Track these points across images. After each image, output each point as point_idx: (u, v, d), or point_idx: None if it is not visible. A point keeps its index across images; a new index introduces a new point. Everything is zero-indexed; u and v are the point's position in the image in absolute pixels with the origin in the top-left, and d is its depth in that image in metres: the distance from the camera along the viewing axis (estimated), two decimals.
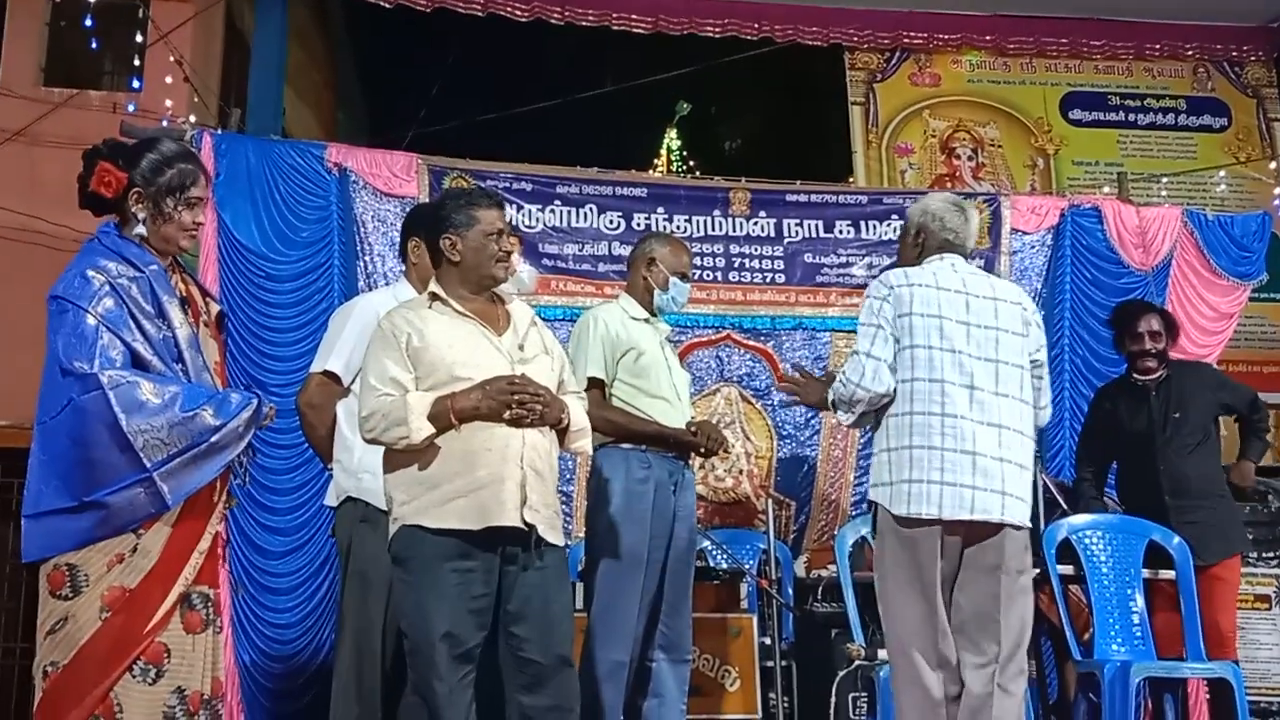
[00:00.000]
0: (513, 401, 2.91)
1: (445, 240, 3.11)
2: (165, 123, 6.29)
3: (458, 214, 3.11)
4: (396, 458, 2.99)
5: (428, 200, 5.40)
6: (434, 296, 3.11)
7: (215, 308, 3.05)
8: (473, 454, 2.90)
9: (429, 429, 2.89)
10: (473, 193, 3.26)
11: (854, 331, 5.67)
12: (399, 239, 3.93)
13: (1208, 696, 4.85)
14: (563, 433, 3.10)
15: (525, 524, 2.91)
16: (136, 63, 7.62)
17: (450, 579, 2.87)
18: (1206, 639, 4.50)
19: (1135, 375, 4.89)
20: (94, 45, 7.66)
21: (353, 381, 3.54)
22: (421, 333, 3.01)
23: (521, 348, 3.09)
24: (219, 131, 5.56)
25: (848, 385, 3.28)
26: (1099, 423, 5.01)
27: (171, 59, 7.19)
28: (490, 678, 2.98)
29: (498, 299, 3.19)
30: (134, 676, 2.64)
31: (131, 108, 7.14)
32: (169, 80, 7.28)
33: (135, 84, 7.71)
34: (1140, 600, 4.42)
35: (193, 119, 6.35)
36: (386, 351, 3.00)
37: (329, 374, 3.57)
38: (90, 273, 2.71)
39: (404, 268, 3.83)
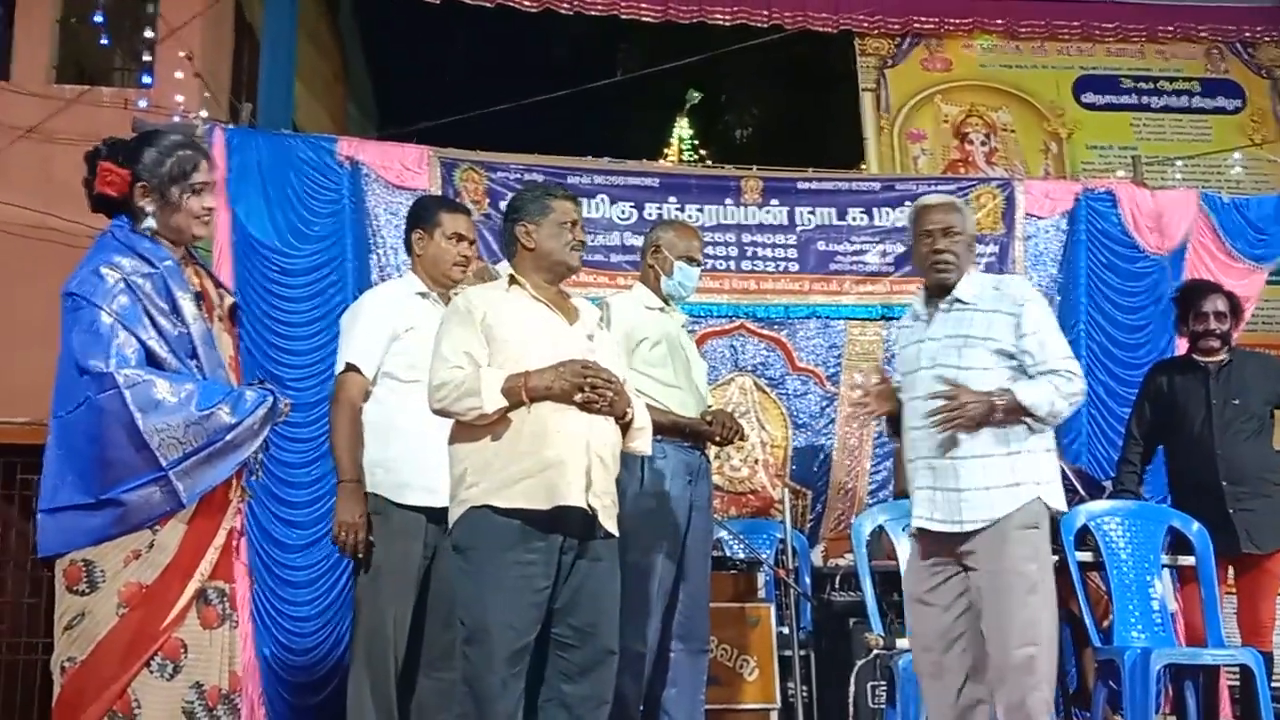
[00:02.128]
0: (585, 385, 2.95)
1: (520, 228, 3.21)
2: (177, 118, 6.29)
3: (533, 204, 3.22)
4: (466, 433, 3.03)
5: (439, 192, 5.42)
6: (512, 280, 3.18)
7: (229, 299, 3.03)
8: (542, 435, 2.95)
9: (501, 401, 2.93)
10: (548, 185, 3.42)
11: (868, 319, 5.83)
12: (404, 228, 3.94)
13: (1233, 683, 4.84)
14: (625, 429, 3.14)
15: (589, 508, 2.95)
16: (147, 59, 7.63)
17: (513, 571, 2.90)
18: (1244, 627, 4.52)
19: (1196, 356, 4.79)
20: (104, 42, 7.68)
21: (376, 374, 3.56)
22: (497, 312, 3.08)
23: (591, 338, 3.16)
24: (230, 126, 5.56)
25: (1077, 380, 3.34)
26: (1152, 398, 4.87)
27: (182, 54, 7.20)
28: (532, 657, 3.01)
29: (566, 294, 3.27)
30: (151, 672, 2.64)
31: (143, 104, 7.15)
32: (180, 76, 7.28)
33: (146, 80, 7.71)
34: (1160, 586, 4.41)
35: (204, 114, 6.34)
36: (462, 326, 3.06)
37: (352, 366, 3.57)
38: (104, 270, 2.70)
39: (410, 256, 3.83)
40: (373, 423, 3.54)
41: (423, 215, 3.79)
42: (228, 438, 2.71)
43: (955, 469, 3.32)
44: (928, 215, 3.51)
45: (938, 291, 3.49)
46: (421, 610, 3.48)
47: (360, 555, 3.46)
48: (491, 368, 3.00)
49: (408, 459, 3.45)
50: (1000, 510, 3.29)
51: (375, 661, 3.43)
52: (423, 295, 3.65)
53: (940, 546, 3.37)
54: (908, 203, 5.95)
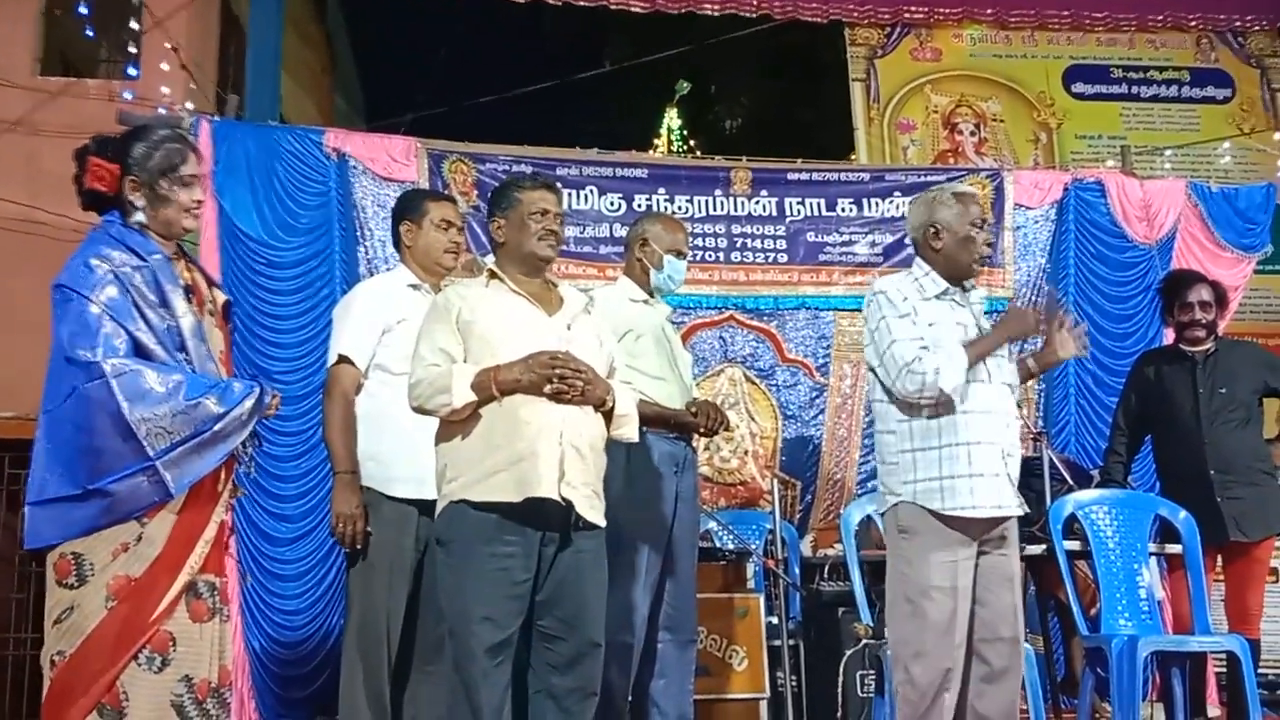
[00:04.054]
0: (554, 376, 2.94)
1: (493, 223, 3.22)
2: (163, 110, 6.26)
3: (503, 198, 3.22)
4: (446, 430, 3.03)
5: (426, 184, 5.41)
6: (492, 275, 3.18)
7: (221, 297, 3.05)
8: (514, 427, 2.94)
9: (470, 396, 2.93)
10: (522, 176, 3.37)
11: (857, 310, 5.81)
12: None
13: (1219, 670, 4.86)
14: (609, 417, 3.12)
15: (562, 499, 2.93)
16: (133, 50, 7.60)
17: (490, 564, 2.90)
18: (1231, 615, 4.54)
19: (1183, 346, 4.80)
20: (90, 33, 7.64)
21: (368, 366, 3.56)
22: (473, 307, 3.07)
23: (569, 328, 3.14)
24: (217, 119, 5.54)
25: None
26: (1139, 388, 4.88)
27: (168, 46, 7.16)
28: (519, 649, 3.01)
29: (552, 284, 3.25)
30: (140, 665, 2.65)
31: (128, 96, 7.12)
32: (166, 67, 7.26)
33: (132, 72, 7.70)
34: (1147, 575, 4.42)
35: (190, 106, 6.33)
36: (439, 323, 3.07)
37: (344, 358, 3.57)
38: (94, 261, 2.72)
39: (398, 250, 3.83)
40: (364, 415, 3.55)
41: (410, 207, 3.79)
42: (215, 428, 2.72)
43: (1015, 457, 3.41)
44: (976, 205, 3.53)
45: (961, 281, 3.48)
46: (414, 603, 3.48)
47: (359, 546, 3.46)
48: (467, 363, 3.00)
49: (399, 451, 3.45)
50: None
51: (368, 654, 3.43)
52: (414, 287, 3.66)
53: (974, 534, 3.32)
54: (897, 193, 5.98)
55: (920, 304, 3.40)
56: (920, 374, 3.25)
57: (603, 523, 3.10)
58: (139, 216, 2.84)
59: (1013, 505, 3.34)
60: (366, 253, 5.42)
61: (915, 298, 3.41)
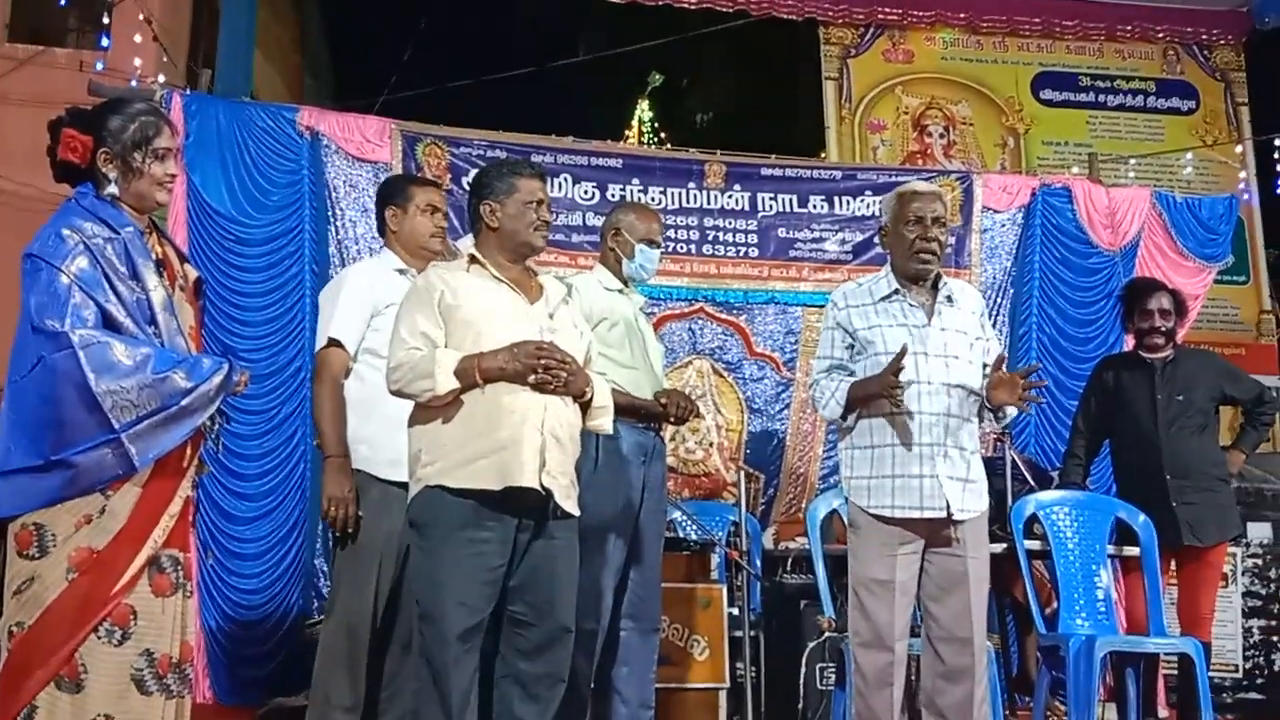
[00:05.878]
0: (538, 366, 2.94)
1: (485, 206, 3.17)
2: (134, 83, 6.18)
3: (499, 181, 3.18)
4: (423, 413, 3.02)
5: (400, 166, 5.37)
6: (473, 259, 3.16)
7: (193, 273, 3.03)
8: (496, 415, 2.94)
9: (453, 383, 2.92)
10: (516, 162, 3.35)
11: (824, 306, 5.83)
12: (374, 208, 3.92)
13: (1168, 672, 4.94)
14: (586, 407, 3.13)
15: (543, 488, 2.94)
16: (105, 20, 7.48)
17: (466, 550, 2.90)
18: (1183, 618, 4.62)
19: (1142, 353, 4.87)
20: (61, 2, 7.53)
21: (357, 350, 3.56)
22: (455, 291, 3.05)
23: (551, 317, 3.14)
24: (188, 92, 5.48)
25: None
26: (1099, 393, 4.94)
27: (140, 17, 7.07)
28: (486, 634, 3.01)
29: (533, 272, 3.24)
30: (100, 638, 2.63)
31: (99, 66, 7.02)
32: (138, 39, 7.15)
33: (103, 42, 7.58)
34: (1105, 576, 4.48)
35: (161, 79, 6.24)
36: (420, 307, 3.05)
37: (334, 341, 3.55)
38: (65, 232, 2.70)
39: (382, 235, 3.83)
40: (354, 399, 3.54)
41: (395, 191, 3.79)
42: (183, 403, 2.71)
43: (967, 460, 3.39)
44: (918, 201, 3.45)
45: (914, 280, 3.47)
46: (397, 585, 3.46)
47: (350, 530, 3.45)
48: (448, 349, 3.00)
49: (389, 435, 3.41)
50: (985, 501, 3.45)
51: (353, 636, 3.41)
52: (400, 272, 3.65)
53: (918, 532, 3.35)
54: (868, 192, 6.01)
55: (858, 308, 3.49)
56: (812, 394, 3.55)
57: (577, 512, 3.10)
58: (111, 189, 2.82)
59: (943, 508, 3.31)
60: (337, 232, 5.38)
61: (858, 301, 3.51)
